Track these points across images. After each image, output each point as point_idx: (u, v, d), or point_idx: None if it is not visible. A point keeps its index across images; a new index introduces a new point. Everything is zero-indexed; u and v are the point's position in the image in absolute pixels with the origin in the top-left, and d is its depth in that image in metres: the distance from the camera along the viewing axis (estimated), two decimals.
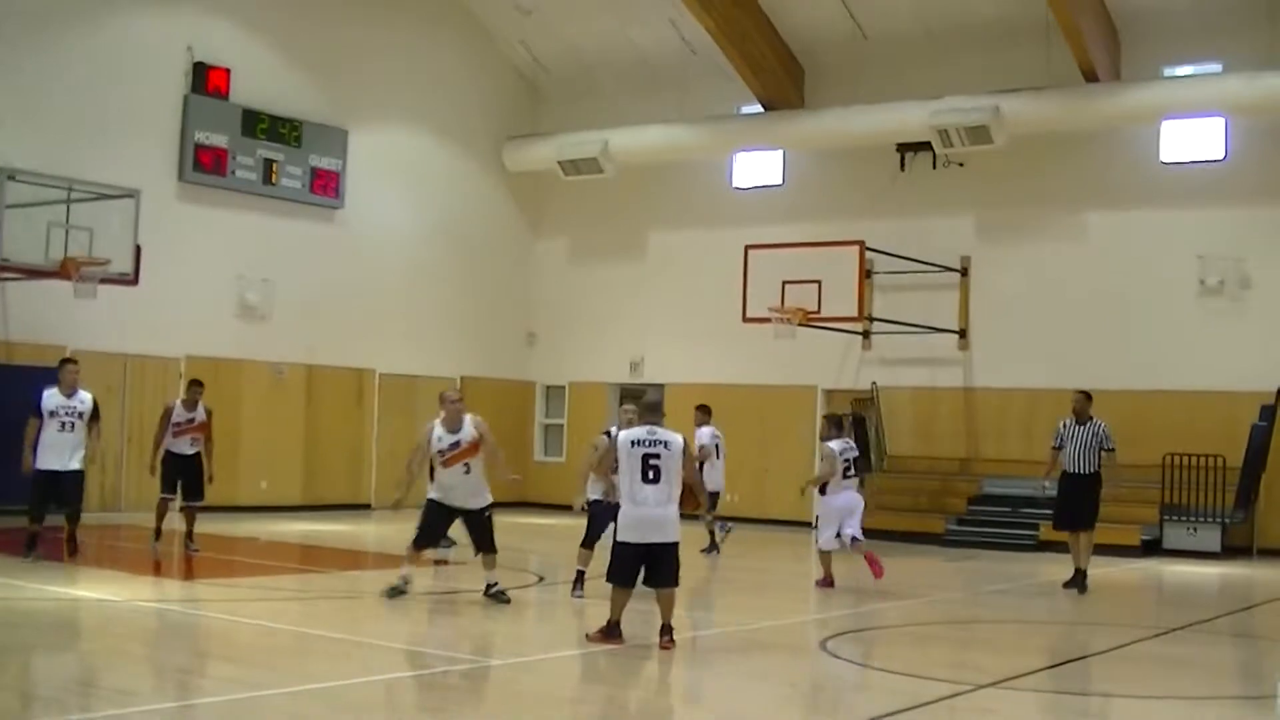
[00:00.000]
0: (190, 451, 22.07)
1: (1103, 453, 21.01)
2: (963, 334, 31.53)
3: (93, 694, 11.65)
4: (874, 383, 32.24)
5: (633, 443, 14.56)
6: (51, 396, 20.17)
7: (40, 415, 20.12)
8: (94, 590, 17.83)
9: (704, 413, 25.98)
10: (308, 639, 15.07)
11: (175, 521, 22.31)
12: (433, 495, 17.91)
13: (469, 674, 13.21)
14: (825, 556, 21.24)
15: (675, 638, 14.46)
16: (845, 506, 21.08)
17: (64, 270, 24.62)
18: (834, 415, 22.24)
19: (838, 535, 21.01)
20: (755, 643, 15.81)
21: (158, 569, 20.32)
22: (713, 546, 25.00)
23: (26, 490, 20.61)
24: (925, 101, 30.39)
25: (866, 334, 32.15)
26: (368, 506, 33.17)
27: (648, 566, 14.48)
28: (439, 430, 17.67)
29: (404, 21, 35.08)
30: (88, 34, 29.27)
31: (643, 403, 15.53)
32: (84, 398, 20.39)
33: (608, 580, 14.79)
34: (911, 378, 32.14)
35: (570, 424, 37.28)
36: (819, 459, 22.98)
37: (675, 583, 14.60)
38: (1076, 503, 21.14)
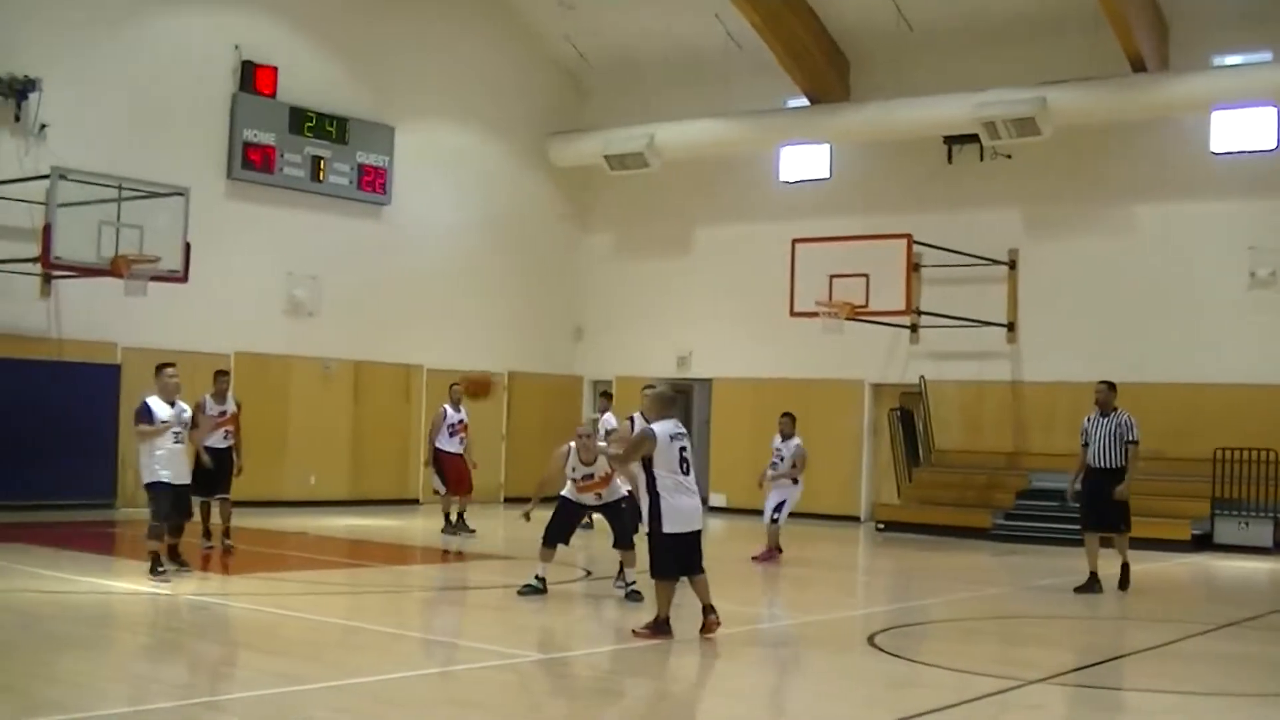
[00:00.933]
0: (223, 445, 21.74)
1: (1127, 446, 20.08)
2: (1011, 327, 31.40)
3: (143, 686, 11.69)
4: (921, 376, 32.14)
5: (671, 436, 14.75)
6: (160, 407, 18.28)
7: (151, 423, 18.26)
8: (141, 584, 17.89)
9: (791, 422, 25.27)
10: (354, 632, 15.11)
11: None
12: (565, 493, 18.35)
13: (515, 668, 13.21)
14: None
15: (722, 632, 14.48)
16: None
17: (115, 268, 24.80)
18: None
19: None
20: (802, 638, 15.81)
21: (205, 564, 20.36)
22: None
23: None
24: (971, 93, 30.27)
25: (914, 327, 32.04)
26: (415, 501, 33.22)
27: (693, 554, 14.88)
28: (573, 459, 18.55)
29: (449, 18, 35.15)
30: (137, 34, 29.45)
31: (665, 395, 15.50)
32: (184, 407, 19.31)
33: (658, 575, 14.87)
34: (959, 371, 32.04)
35: (619, 418, 37.17)
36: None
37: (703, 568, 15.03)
38: (1104, 500, 20.23)
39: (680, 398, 16.14)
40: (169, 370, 18.37)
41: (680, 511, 14.70)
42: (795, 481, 24.23)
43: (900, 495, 31.32)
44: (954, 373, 32.07)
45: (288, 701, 11.35)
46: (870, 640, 15.10)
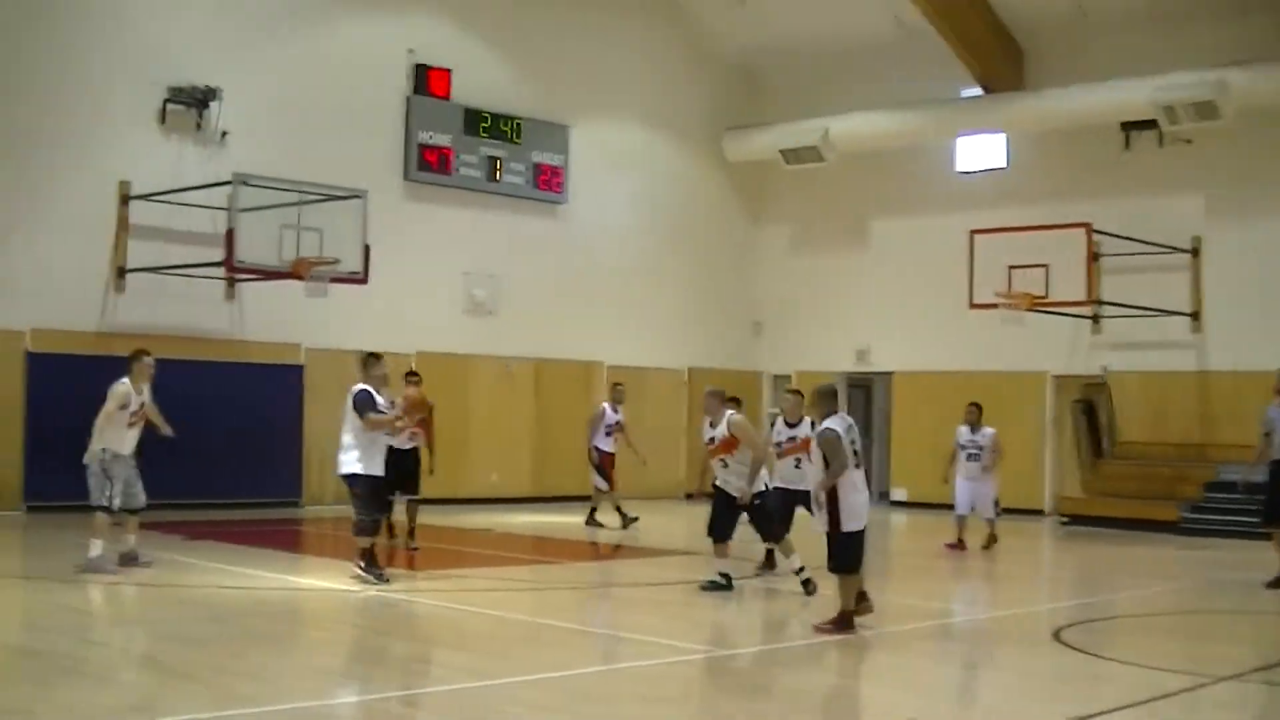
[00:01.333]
0: (408, 446, 21.90)
1: None
2: (1195, 316, 30.93)
3: (332, 681, 11.86)
4: (1104, 367, 31.79)
5: (847, 429, 14.91)
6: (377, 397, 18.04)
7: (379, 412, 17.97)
8: (328, 580, 18.14)
9: (979, 411, 25.06)
10: (540, 629, 15.21)
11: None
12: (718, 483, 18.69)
13: (700, 663, 13.25)
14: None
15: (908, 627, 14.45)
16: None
17: (296, 270, 25.13)
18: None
19: None
20: (987, 632, 15.73)
21: (389, 560, 20.57)
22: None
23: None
24: (1149, 78, 29.85)
25: (1095, 318, 31.68)
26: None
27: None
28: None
29: (620, 16, 35.30)
30: (312, 42, 29.92)
31: (828, 390, 15.51)
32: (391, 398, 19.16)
33: (843, 570, 14.98)
34: (1142, 361, 31.61)
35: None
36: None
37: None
38: (1274, 491, 19.74)
39: (837, 391, 16.35)
40: (380, 361, 18.39)
41: (856, 509, 14.86)
42: (987, 470, 24.35)
43: (1083, 488, 30.99)
44: (1137, 363, 31.65)
45: (478, 697, 11.47)
46: (1056, 635, 14.98)
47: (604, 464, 26.83)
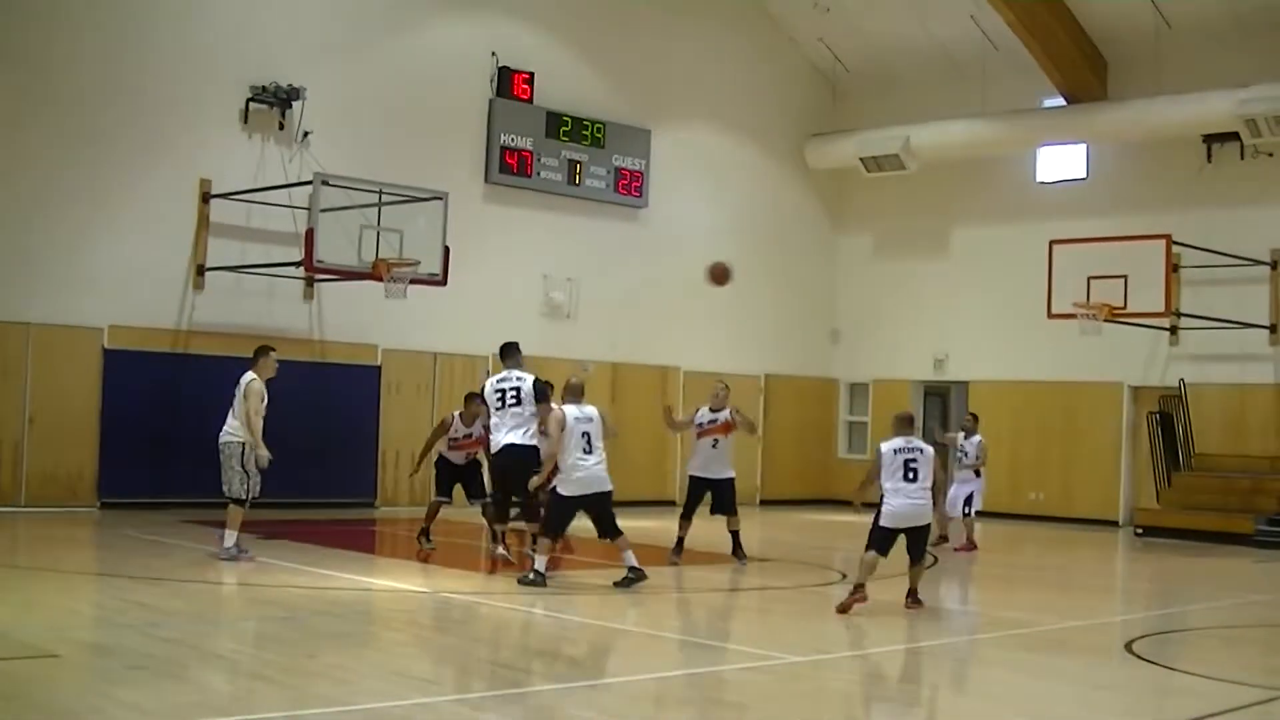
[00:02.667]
0: (463, 462, 22.11)
1: None
2: (1274, 329, 30.72)
3: (404, 683, 11.91)
4: (1181, 379, 31.59)
5: (895, 451, 17.03)
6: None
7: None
8: (402, 581, 18.23)
9: (975, 421, 26.81)
10: (612, 633, 15.24)
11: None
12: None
13: (771, 670, 13.25)
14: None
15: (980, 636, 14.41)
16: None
17: (375, 271, 25.22)
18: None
19: None
20: (1059, 643, 15.65)
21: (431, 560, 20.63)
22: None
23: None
24: (1232, 90, 29.71)
25: (1174, 329, 31.53)
26: (673, 503, 33.37)
27: (912, 545, 17.10)
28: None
29: (702, 21, 35.30)
30: (395, 42, 30.06)
31: (902, 417, 17.79)
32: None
33: (868, 548, 16.94)
34: (1220, 374, 31.43)
35: (874, 421, 37.16)
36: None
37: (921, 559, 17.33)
38: None
39: (912, 417, 18.26)
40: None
41: (893, 512, 16.97)
42: (978, 474, 25.33)
43: (1160, 500, 30.81)
44: (1215, 375, 31.47)
45: (547, 701, 11.50)
46: (1128, 647, 14.92)
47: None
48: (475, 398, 21.69)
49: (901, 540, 17.04)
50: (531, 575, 17.63)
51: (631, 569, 17.86)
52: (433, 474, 22.27)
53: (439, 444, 22.12)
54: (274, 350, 20.31)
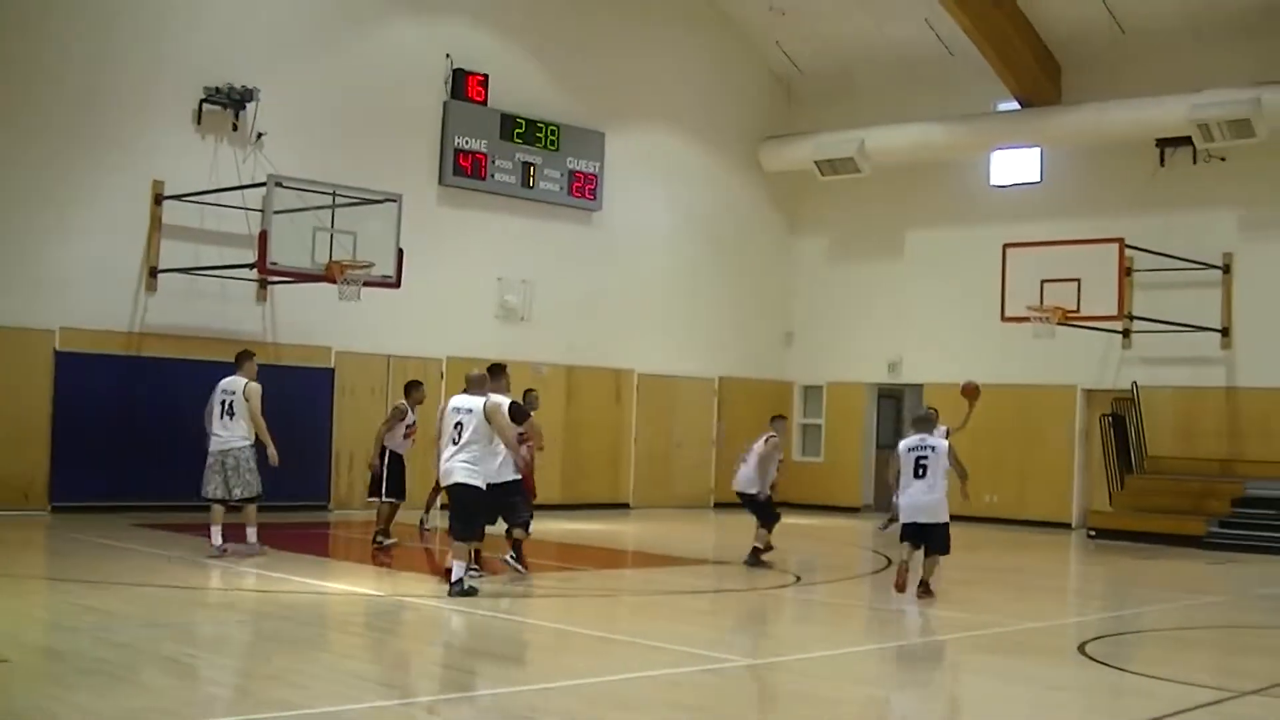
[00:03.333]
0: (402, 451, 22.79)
1: None
2: (1225, 332, 30.86)
3: (358, 686, 11.88)
4: (1134, 382, 31.70)
5: (909, 449, 18.69)
6: None
7: None
8: (355, 585, 18.19)
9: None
10: (566, 636, 15.23)
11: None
12: None
13: (725, 672, 13.24)
14: None
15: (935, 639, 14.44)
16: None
17: (329, 273, 25.18)
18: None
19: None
20: (1014, 645, 15.69)
21: (389, 563, 20.61)
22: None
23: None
24: (1185, 95, 29.85)
25: (1126, 333, 31.65)
26: (626, 506, 33.41)
27: (924, 539, 18.61)
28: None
29: (658, 24, 35.31)
30: (350, 44, 29.97)
31: (920, 416, 19.74)
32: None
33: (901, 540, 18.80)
34: (1172, 377, 31.54)
35: (828, 424, 37.22)
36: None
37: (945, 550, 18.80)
38: None
39: (929, 417, 19.90)
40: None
41: (902, 506, 18.83)
42: None
43: (1112, 502, 30.91)
44: (1167, 378, 31.58)
45: (499, 703, 11.48)
46: (1082, 649, 14.97)
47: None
48: (419, 385, 23.21)
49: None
50: (458, 587, 16.96)
51: (453, 582, 16.85)
52: (384, 474, 22.30)
53: (390, 438, 22.25)
54: (255, 354, 21.20)
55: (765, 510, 22.20)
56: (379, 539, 22.19)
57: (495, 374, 18.91)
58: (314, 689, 11.67)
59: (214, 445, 20.32)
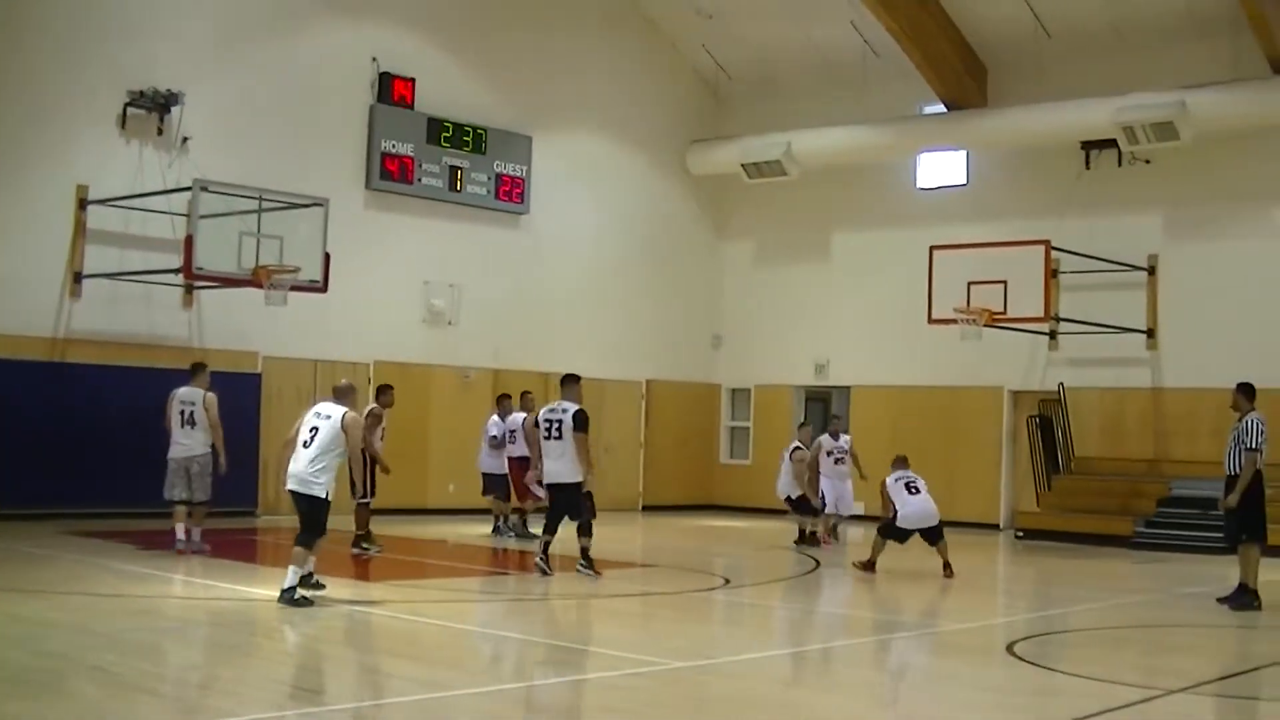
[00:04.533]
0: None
1: (1245, 451, 18.74)
2: (1151, 333, 31.08)
3: (288, 693, 11.84)
4: (1060, 383, 31.88)
5: (895, 480, 21.93)
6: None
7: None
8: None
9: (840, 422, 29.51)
10: (494, 640, 15.21)
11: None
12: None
13: (655, 675, 13.24)
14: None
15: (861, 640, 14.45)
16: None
17: (255, 278, 25.06)
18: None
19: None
20: (941, 645, 15.76)
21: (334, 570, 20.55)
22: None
23: None
24: (1110, 98, 30.04)
25: (1053, 334, 31.85)
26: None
27: (925, 536, 22.34)
28: None
29: (585, 28, 35.33)
30: (276, 48, 29.85)
31: (898, 458, 22.88)
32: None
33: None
34: (1098, 378, 31.76)
35: (756, 427, 37.28)
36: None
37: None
38: (1239, 508, 18.86)
39: (906, 458, 23.49)
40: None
41: (907, 516, 22.09)
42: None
43: (1040, 503, 31.07)
44: (1093, 379, 31.79)
45: (430, 709, 11.46)
46: (1010, 649, 15.03)
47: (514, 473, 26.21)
48: (389, 389, 23.80)
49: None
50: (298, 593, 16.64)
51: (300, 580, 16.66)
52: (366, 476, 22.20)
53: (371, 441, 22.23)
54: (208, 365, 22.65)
55: (803, 507, 26.25)
56: (364, 545, 22.24)
57: (570, 383, 20.14)
58: (244, 695, 11.62)
59: (177, 452, 21.67)
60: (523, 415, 25.73)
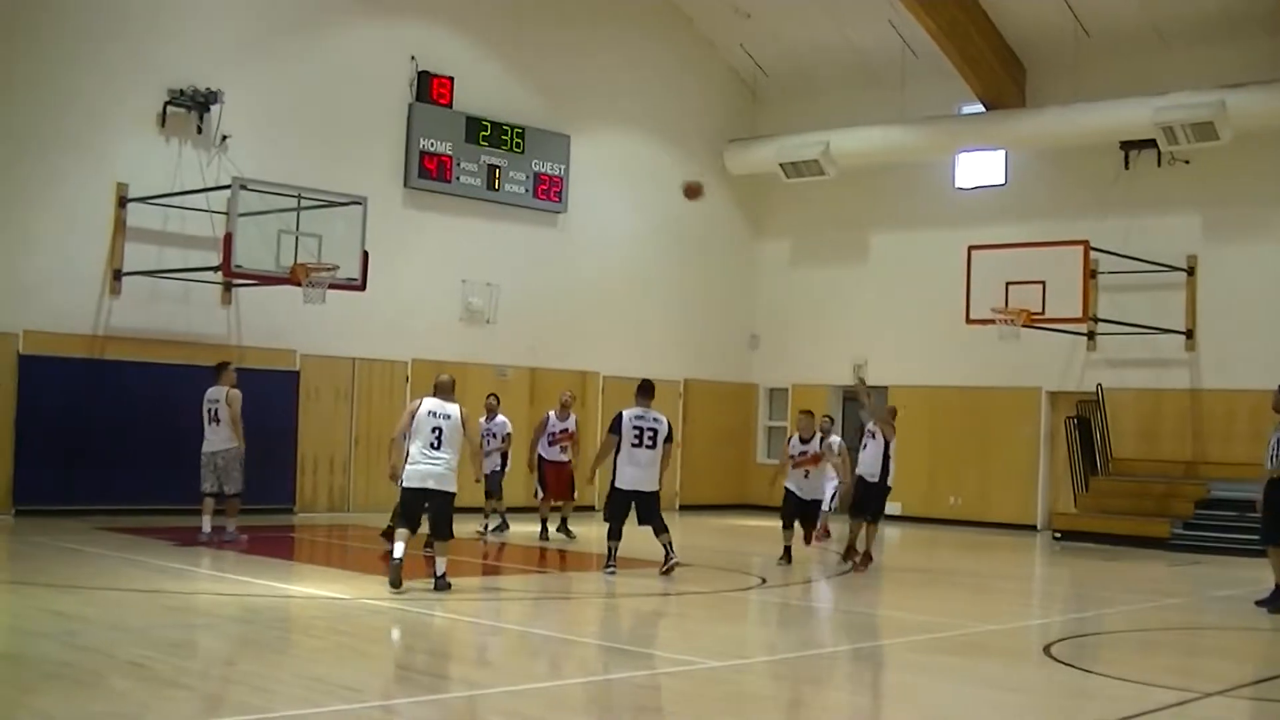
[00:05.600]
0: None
1: None
2: (1189, 334, 30.96)
3: (320, 689, 11.85)
4: (1098, 384, 31.77)
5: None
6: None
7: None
8: (322, 588, 18.16)
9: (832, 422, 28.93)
10: (531, 638, 15.21)
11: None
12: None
13: (688, 675, 13.23)
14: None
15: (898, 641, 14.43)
16: None
17: (294, 276, 25.09)
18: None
19: None
20: (977, 646, 15.71)
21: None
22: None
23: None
24: (1149, 98, 29.94)
25: (1091, 335, 31.74)
26: (591, 508, 33.34)
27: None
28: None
29: (623, 27, 35.32)
30: (315, 47, 29.89)
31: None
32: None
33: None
34: (1136, 379, 31.63)
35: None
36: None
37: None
38: (1271, 510, 18.77)
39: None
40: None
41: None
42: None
43: (1077, 504, 30.98)
44: (1131, 380, 31.67)
45: (464, 706, 11.46)
46: (1046, 650, 14.99)
47: (547, 473, 26.37)
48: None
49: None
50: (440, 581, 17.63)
51: (437, 578, 17.63)
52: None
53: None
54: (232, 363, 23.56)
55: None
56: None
57: (650, 391, 20.76)
58: (278, 692, 11.63)
59: (205, 447, 22.59)
60: (504, 419, 26.06)
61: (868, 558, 22.21)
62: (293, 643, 14.82)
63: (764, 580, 20.66)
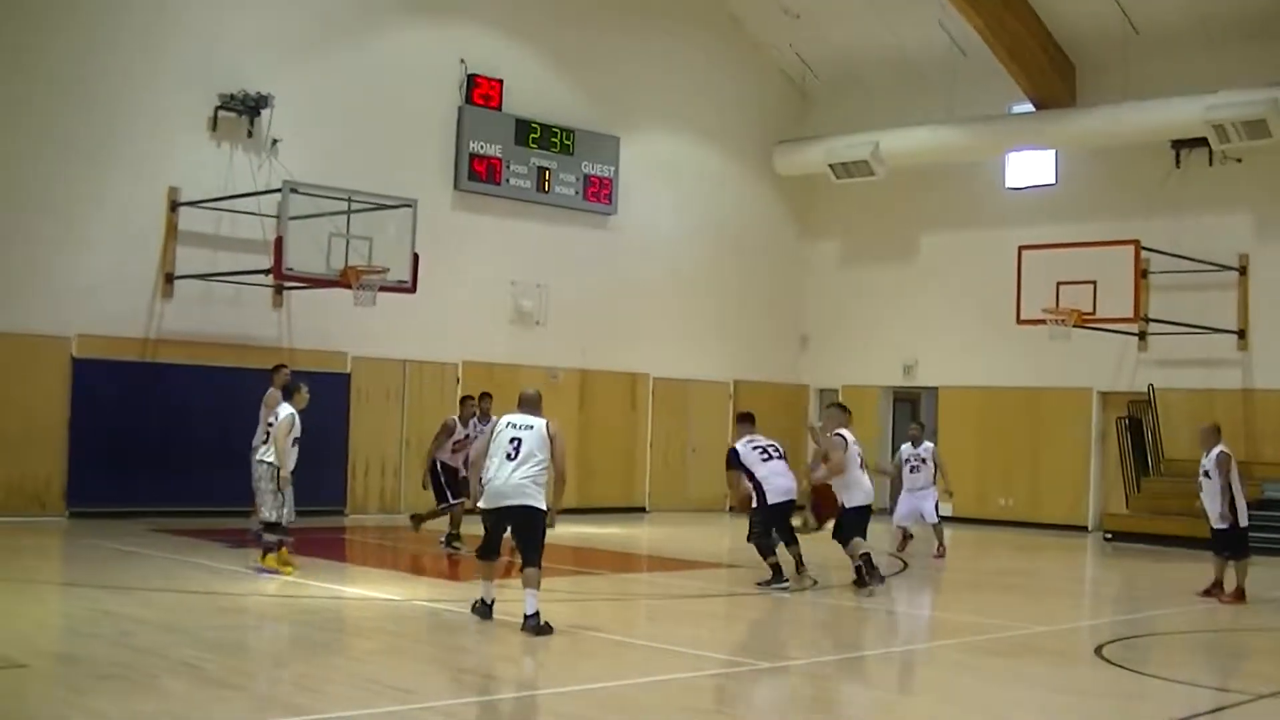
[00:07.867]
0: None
1: None
2: (1242, 334, 30.82)
3: (373, 690, 11.90)
4: (1150, 384, 31.64)
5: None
6: None
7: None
8: (374, 589, 18.23)
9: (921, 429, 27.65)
10: (581, 639, 15.24)
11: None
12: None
13: (738, 676, 13.26)
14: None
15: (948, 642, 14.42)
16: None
17: (344, 279, 25.13)
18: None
19: None
20: (1028, 648, 15.69)
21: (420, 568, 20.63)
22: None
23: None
24: (1200, 96, 29.77)
25: (1142, 335, 31.60)
26: (642, 510, 33.43)
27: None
28: None
29: (672, 28, 35.29)
30: (365, 50, 29.97)
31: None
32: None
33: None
34: (1188, 379, 31.48)
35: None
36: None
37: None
38: None
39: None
40: None
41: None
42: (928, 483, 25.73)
43: (1128, 505, 30.86)
44: (1183, 380, 31.51)
45: (514, 707, 11.50)
46: (1098, 651, 14.97)
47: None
48: (469, 400, 24.13)
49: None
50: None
51: (528, 616, 15.10)
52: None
53: (441, 449, 22.86)
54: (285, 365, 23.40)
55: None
56: (454, 545, 22.56)
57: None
58: (330, 693, 11.71)
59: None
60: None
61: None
62: (345, 644, 14.91)
63: (816, 582, 20.62)
